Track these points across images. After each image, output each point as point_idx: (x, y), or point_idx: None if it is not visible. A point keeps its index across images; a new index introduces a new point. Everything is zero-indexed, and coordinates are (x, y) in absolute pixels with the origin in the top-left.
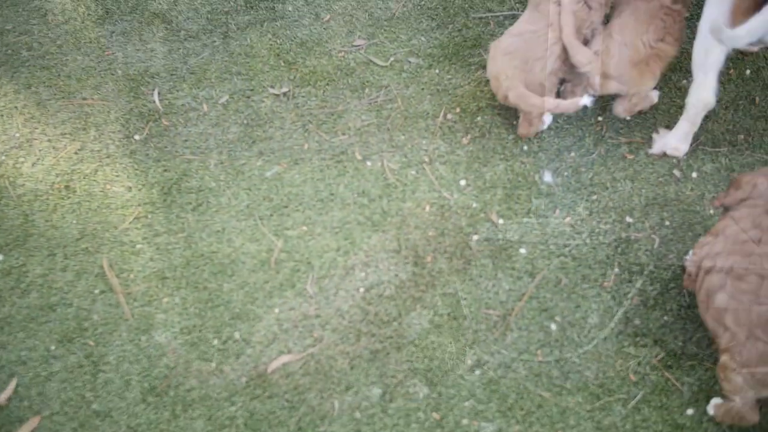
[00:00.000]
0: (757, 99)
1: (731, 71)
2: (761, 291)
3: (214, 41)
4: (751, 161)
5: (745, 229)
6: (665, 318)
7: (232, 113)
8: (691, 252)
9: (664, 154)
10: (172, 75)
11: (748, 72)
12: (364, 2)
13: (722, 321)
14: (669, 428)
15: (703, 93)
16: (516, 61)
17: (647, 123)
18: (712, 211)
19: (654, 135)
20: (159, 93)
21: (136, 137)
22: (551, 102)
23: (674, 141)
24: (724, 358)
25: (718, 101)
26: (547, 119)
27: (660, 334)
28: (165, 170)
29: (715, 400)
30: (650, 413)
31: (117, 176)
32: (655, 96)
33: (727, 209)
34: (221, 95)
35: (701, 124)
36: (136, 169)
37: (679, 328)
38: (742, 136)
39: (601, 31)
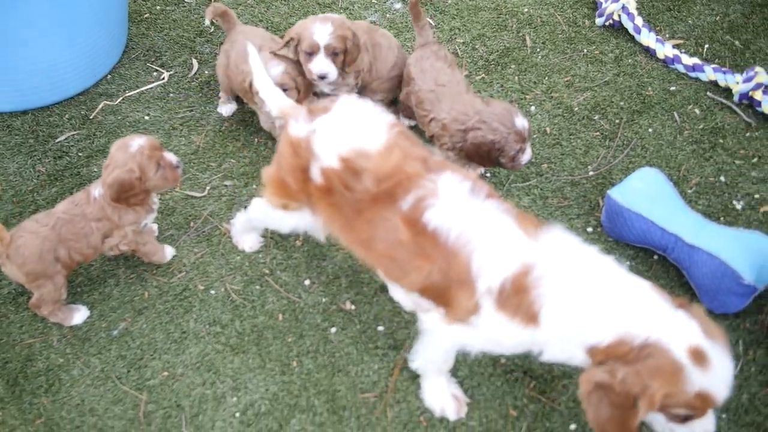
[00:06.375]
0: (547, 129)
1: None
2: None
3: None
4: (559, 185)
5: None
6: None
7: None
8: None
9: None
10: None
11: (532, 108)
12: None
13: None
14: None
15: None
16: None
17: None
18: None
19: None
20: None
21: None
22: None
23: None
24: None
25: None
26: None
27: (527, 364)
28: (6, 362)
29: None
30: None
31: None
32: None
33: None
34: None
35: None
36: None
37: None
38: (545, 165)
39: None
